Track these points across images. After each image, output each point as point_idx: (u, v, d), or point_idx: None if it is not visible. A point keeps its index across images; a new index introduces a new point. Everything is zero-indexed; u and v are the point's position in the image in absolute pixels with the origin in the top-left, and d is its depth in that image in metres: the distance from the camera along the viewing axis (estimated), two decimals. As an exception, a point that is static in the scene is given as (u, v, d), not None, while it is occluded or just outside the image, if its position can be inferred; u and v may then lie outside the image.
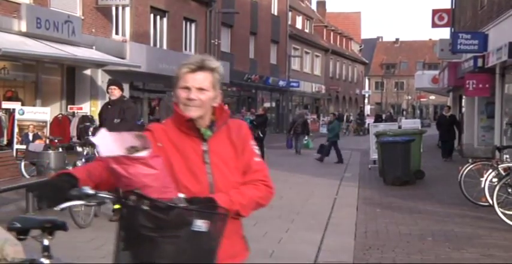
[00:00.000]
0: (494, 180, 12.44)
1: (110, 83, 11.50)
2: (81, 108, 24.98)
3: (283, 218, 12.29)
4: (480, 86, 28.01)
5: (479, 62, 26.98)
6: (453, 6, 38.27)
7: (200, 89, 4.14)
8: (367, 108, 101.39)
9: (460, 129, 22.15)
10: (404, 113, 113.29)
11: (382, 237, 10.69)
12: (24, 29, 24.07)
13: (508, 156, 13.95)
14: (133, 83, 33.74)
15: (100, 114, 12.12)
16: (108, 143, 3.96)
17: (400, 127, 25.56)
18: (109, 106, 11.24)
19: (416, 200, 15.30)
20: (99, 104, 28.92)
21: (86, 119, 23.06)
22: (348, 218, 12.37)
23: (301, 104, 65.42)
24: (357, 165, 25.19)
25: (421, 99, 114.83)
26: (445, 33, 32.57)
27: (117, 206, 8.63)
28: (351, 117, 73.15)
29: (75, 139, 20.98)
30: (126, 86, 32.84)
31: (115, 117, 10.73)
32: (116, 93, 10.92)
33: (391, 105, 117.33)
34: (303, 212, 12.94)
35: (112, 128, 7.80)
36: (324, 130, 56.28)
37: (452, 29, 35.53)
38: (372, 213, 13.30)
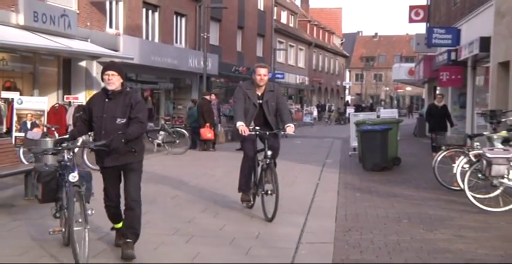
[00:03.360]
0: (466, 166, 12.50)
1: (107, 67, 7.55)
2: (76, 98, 24.82)
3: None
4: (453, 77, 28.29)
5: (453, 56, 27.26)
6: (428, 3, 38.41)
7: None
8: (348, 99, 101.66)
9: (452, 122, 21.72)
10: (383, 103, 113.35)
11: (361, 219, 10.71)
12: (22, 22, 24.08)
13: (478, 143, 14.02)
14: (126, 74, 33.43)
15: (89, 109, 7.79)
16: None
17: (378, 116, 25.52)
18: (107, 100, 7.39)
19: (393, 184, 15.36)
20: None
21: (81, 108, 22.96)
22: (329, 202, 12.38)
23: (285, 95, 65.33)
24: (338, 152, 25.19)
25: (398, 90, 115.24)
26: (421, 28, 32.77)
27: (117, 226, 8.17)
28: (333, 107, 73.37)
29: (71, 127, 20.99)
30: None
31: (117, 115, 7.30)
32: (114, 80, 7.33)
33: (371, 96, 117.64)
34: (287, 196, 12.90)
35: (114, 131, 7.46)
36: (307, 119, 56.48)
37: (428, 24, 35.67)
38: (352, 197, 13.30)
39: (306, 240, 9.05)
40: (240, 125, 9.87)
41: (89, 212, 7.56)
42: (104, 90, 7.69)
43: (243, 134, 9.83)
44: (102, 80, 7.71)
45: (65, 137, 9.63)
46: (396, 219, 10.76)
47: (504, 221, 10.72)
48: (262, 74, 10.29)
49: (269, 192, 9.94)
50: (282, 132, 10.38)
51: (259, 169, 10.71)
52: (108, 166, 7.64)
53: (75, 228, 7.06)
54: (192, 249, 8.42)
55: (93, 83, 29.67)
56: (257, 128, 10.20)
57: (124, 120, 7.40)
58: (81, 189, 7.32)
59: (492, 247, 8.78)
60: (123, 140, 7.31)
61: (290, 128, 10.22)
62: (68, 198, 7.37)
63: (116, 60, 29.45)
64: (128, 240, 7.65)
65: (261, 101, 10.33)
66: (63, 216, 7.93)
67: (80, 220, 7.21)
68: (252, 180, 10.83)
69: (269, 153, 10.03)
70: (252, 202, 10.91)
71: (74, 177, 7.29)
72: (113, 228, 8.25)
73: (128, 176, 7.73)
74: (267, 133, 10.24)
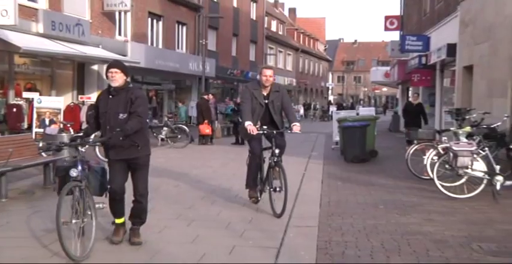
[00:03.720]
0: (435, 158, 12.54)
1: (111, 65, 7.27)
2: (89, 98, 24.89)
3: None
4: (423, 78, 28.65)
5: (423, 60, 27.43)
6: (402, 13, 38.41)
7: None
8: (331, 98, 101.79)
9: (426, 119, 21.63)
10: (362, 102, 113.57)
11: (342, 205, 10.75)
12: (41, 30, 24.19)
13: (445, 138, 14.01)
14: (133, 76, 33.67)
15: (96, 106, 7.69)
16: None
17: (358, 114, 25.56)
18: (110, 96, 7.14)
19: (370, 174, 15.38)
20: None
21: (92, 106, 23.10)
22: (314, 190, 12.42)
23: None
24: (322, 146, 25.18)
25: (375, 91, 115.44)
26: (395, 36, 32.68)
27: (118, 221, 7.59)
28: (317, 106, 73.48)
29: (84, 124, 21.04)
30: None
31: (120, 111, 7.03)
32: (117, 78, 7.06)
33: (351, 95, 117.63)
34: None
35: (117, 126, 7.09)
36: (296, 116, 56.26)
37: (401, 32, 35.64)
38: (334, 185, 13.35)
39: (293, 224, 9.07)
40: (248, 124, 9.07)
41: (100, 205, 7.40)
42: (108, 87, 7.38)
43: (252, 133, 9.05)
44: (107, 77, 7.37)
45: (79, 134, 9.44)
46: (373, 205, 10.82)
47: (468, 206, 10.78)
48: (268, 75, 9.53)
49: (277, 189, 9.21)
50: (289, 131, 9.52)
51: (265, 166, 9.91)
52: (114, 159, 7.24)
53: (73, 221, 6.73)
54: (192, 232, 8.46)
55: (103, 84, 28.72)
56: (264, 127, 9.46)
57: (125, 115, 7.00)
58: (81, 184, 6.90)
59: (458, 229, 8.83)
60: (121, 138, 7.00)
61: (296, 127, 9.46)
62: (61, 193, 6.84)
63: (125, 64, 30.20)
64: (134, 226, 7.50)
65: (267, 101, 9.55)
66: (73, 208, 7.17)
67: (78, 213, 6.84)
68: (258, 177, 10.01)
69: (277, 151, 9.29)
70: (259, 198, 10.06)
71: (74, 172, 6.84)
72: (113, 223, 7.67)
73: (135, 171, 7.42)
74: (274, 132, 9.53)
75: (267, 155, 9.92)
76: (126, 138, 7.05)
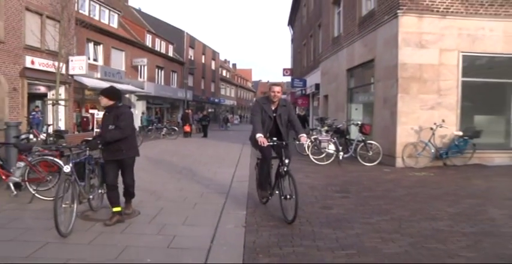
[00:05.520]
0: (309, 143, 12.47)
1: (100, 92, 5.87)
2: None
3: (218, 162, 12.19)
4: (304, 101, 28.76)
5: (303, 91, 27.69)
6: (292, 67, 38.89)
7: None
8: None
9: (304, 124, 22.01)
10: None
11: None
12: (99, 76, 24.60)
13: (315, 133, 14.32)
14: (148, 100, 33.64)
15: (102, 120, 6.12)
16: None
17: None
18: (106, 113, 5.83)
19: (276, 152, 15.46)
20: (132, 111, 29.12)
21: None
22: (246, 162, 12.30)
23: (225, 110, 65.17)
24: (249, 137, 25.27)
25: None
26: (289, 78, 32.86)
27: (114, 209, 5.62)
28: (247, 116, 73.45)
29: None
30: (143, 103, 33.08)
31: (109, 123, 5.68)
32: (103, 101, 5.77)
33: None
34: (226, 159, 12.93)
35: (106, 133, 5.61)
36: (236, 121, 56.32)
37: (292, 77, 36.06)
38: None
39: (235, 179, 9.01)
40: (260, 136, 6.14)
41: (102, 191, 6.07)
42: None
43: (263, 145, 6.08)
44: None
45: (88, 138, 7.74)
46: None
47: (326, 168, 10.89)
48: (276, 91, 6.67)
49: (288, 196, 5.90)
50: (297, 142, 6.52)
51: (273, 172, 6.70)
52: (106, 159, 5.67)
53: (63, 205, 5.01)
54: (181, 185, 8.20)
55: (131, 105, 29.89)
56: (274, 138, 6.41)
57: (113, 127, 5.52)
58: (71, 177, 5.22)
59: (321, 180, 8.93)
60: (98, 142, 5.57)
61: (303, 138, 6.43)
62: (58, 184, 5.25)
63: (141, 94, 30.87)
64: (126, 202, 6.03)
65: (275, 114, 6.61)
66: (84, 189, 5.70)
67: (67, 201, 5.12)
68: (269, 179, 6.77)
69: (286, 161, 6.21)
70: (269, 198, 6.69)
71: (66, 168, 5.20)
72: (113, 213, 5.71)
73: (123, 169, 5.74)
74: (284, 143, 6.43)
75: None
76: (107, 145, 5.58)
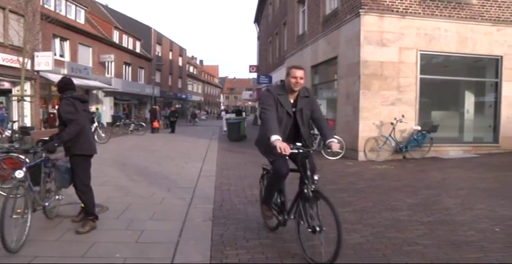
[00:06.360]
0: None
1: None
2: (91, 108, 24.72)
3: (185, 157, 12.19)
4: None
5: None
6: (257, 63, 38.99)
7: None
8: (222, 108, 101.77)
9: None
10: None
11: (228, 165, 10.71)
12: (66, 72, 24.03)
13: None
14: (115, 96, 33.04)
15: None
16: None
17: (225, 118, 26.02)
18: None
19: (242, 147, 15.47)
20: (99, 106, 28.93)
21: (92, 113, 22.81)
22: (213, 156, 12.36)
23: (193, 106, 64.76)
24: (217, 132, 25.17)
25: (245, 104, 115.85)
26: (255, 75, 32.96)
27: (83, 205, 4.95)
28: (214, 111, 73.41)
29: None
30: (111, 99, 32.45)
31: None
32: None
33: (232, 106, 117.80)
34: (194, 154, 12.95)
35: (62, 132, 4.79)
36: (203, 117, 56.11)
37: (258, 73, 36.20)
38: (223, 154, 13.34)
39: (202, 174, 8.98)
40: (276, 139, 3.69)
41: (59, 197, 5.25)
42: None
43: (284, 152, 3.61)
44: None
45: (44, 138, 6.29)
46: (244, 164, 10.83)
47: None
48: (298, 76, 4.16)
49: (317, 229, 3.60)
50: (328, 150, 4.51)
51: (285, 188, 4.52)
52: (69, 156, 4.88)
53: (14, 216, 4.13)
54: (127, 200, 7.45)
55: (98, 101, 29.61)
56: (298, 144, 3.99)
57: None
58: (24, 184, 4.34)
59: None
60: (56, 144, 4.75)
61: (335, 145, 4.02)
62: (8, 191, 4.25)
63: (109, 90, 30.35)
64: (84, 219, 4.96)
65: (294, 109, 4.15)
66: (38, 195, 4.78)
67: (19, 210, 4.24)
68: (282, 198, 4.47)
69: (316, 177, 3.86)
70: (280, 223, 4.40)
71: (19, 173, 4.32)
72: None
73: (72, 169, 4.88)
74: (311, 151, 3.94)
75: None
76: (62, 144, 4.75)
